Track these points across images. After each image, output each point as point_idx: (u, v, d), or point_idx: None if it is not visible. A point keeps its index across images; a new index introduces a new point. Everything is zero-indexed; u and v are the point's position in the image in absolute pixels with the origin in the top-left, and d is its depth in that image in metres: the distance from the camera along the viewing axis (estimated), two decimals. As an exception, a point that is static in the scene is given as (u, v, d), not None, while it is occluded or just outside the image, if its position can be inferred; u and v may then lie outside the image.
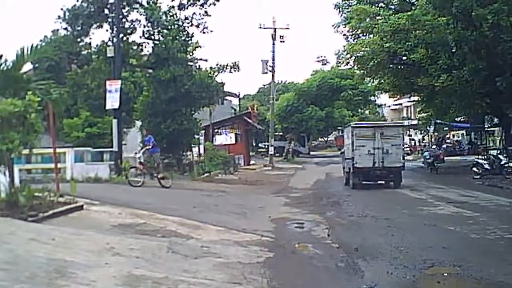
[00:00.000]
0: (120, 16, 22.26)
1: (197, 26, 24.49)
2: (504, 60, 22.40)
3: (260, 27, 39.54)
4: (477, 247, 8.74)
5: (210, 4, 24.33)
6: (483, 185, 19.83)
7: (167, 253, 7.30)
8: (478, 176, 21.94)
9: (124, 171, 17.90)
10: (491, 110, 28.58)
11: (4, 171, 8.98)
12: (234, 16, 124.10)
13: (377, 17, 26.14)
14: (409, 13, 24.01)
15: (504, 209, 13.35)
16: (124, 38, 22.92)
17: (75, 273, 5.65)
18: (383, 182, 19.77)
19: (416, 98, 35.45)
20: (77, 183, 13.10)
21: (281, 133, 55.31)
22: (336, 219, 12.12)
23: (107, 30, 23.44)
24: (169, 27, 23.54)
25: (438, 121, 36.06)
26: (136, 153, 18.48)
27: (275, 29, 39.48)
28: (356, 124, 22.11)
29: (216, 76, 25.10)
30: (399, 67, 28.89)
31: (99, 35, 61.18)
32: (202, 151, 28.09)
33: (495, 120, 31.67)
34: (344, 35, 29.64)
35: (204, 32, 24.66)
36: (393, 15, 25.24)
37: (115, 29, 21.99)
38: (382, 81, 31.25)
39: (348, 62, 30.31)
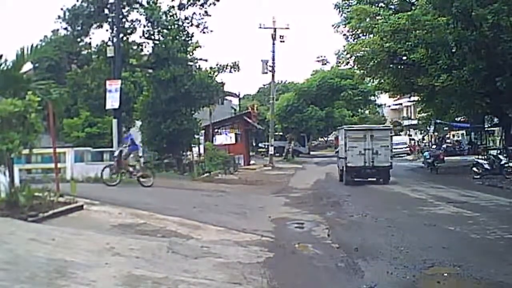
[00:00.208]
0: (120, 16, 22.29)
1: (197, 26, 24.51)
2: (504, 60, 22.39)
3: (260, 27, 39.54)
4: (477, 247, 8.74)
5: (210, 4, 24.35)
6: (483, 185, 19.85)
7: (167, 253, 7.30)
8: (478, 176, 21.96)
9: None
10: (491, 110, 28.58)
11: (4, 171, 8.98)
12: (234, 16, 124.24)
13: (377, 17, 26.11)
14: (409, 13, 23.98)
15: (504, 209, 13.36)
16: (124, 38, 22.94)
17: (75, 273, 5.66)
18: (374, 179, 21.31)
19: (416, 98, 35.39)
20: (77, 183, 13.13)
21: (281, 133, 55.26)
22: (336, 219, 12.11)
23: (107, 30, 23.52)
24: (169, 27, 23.53)
25: (438, 121, 36.11)
26: (114, 152, 17.85)
27: (275, 29, 39.43)
28: (348, 127, 24.26)
29: (216, 76, 25.11)
30: (399, 67, 28.86)
31: (99, 35, 61.33)
32: (202, 151, 28.05)
33: (495, 120, 31.67)
34: (344, 35, 29.65)
35: (204, 32, 24.70)
36: (393, 15, 25.21)
37: (115, 29, 22.03)
38: (382, 81, 31.21)
39: (348, 62, 30.27)
